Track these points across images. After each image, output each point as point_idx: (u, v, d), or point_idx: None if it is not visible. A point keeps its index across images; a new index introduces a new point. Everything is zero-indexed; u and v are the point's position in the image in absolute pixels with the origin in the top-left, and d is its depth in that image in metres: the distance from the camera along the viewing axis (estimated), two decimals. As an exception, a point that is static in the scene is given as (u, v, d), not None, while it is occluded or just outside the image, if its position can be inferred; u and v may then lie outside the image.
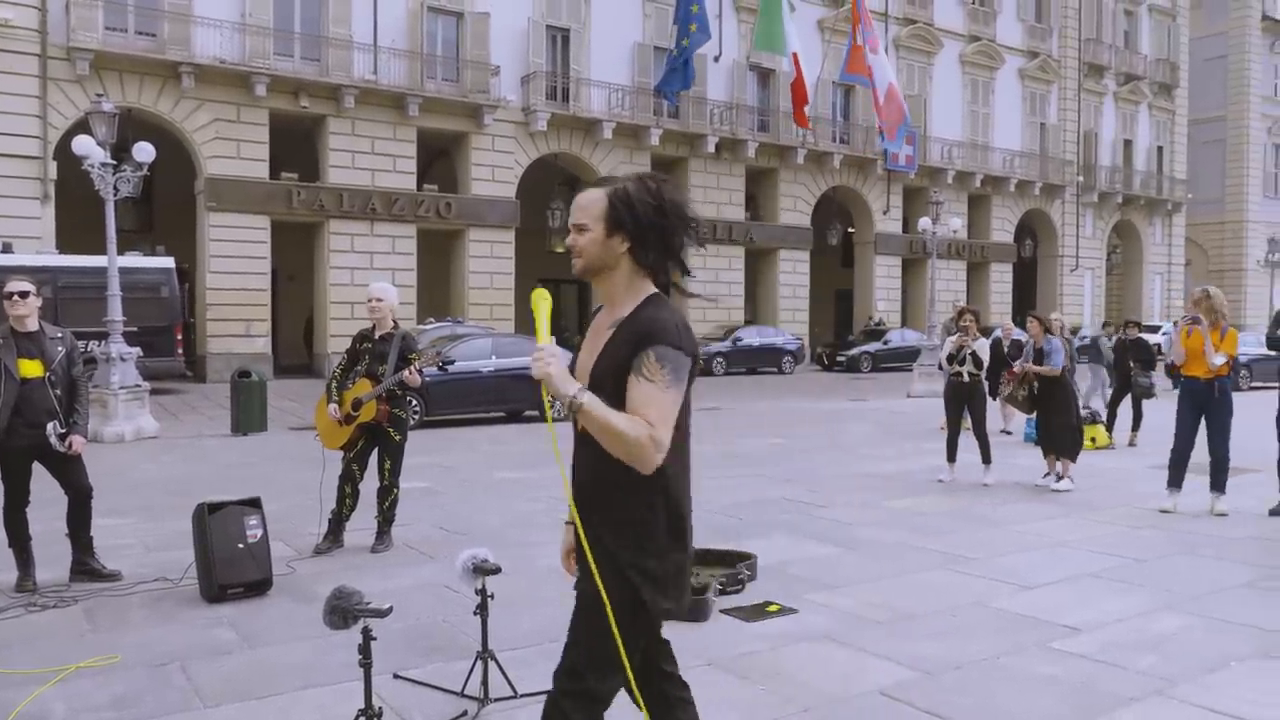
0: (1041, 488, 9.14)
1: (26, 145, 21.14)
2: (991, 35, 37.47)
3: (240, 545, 5.38)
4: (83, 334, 9.36)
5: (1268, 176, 47.91)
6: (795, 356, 29.46)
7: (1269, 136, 48.07)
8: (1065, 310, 37.10)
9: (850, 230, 36.14)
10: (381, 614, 3.27)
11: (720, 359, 27.74)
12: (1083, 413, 11.22)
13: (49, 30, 21.19)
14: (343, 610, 3.26)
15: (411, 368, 6.28)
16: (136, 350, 14.15)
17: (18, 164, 21.02)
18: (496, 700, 3.83)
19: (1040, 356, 9.31)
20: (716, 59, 30.11)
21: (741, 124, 30.97)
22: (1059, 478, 9.11)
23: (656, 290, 2.45)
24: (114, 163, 13.86)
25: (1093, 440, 11.89)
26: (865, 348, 30.86)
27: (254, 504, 5.58)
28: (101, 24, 21.69)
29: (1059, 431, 9.22)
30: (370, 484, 6.55)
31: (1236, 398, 8.09)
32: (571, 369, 2.41)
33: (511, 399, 15.32)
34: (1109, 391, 13.91)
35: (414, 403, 13.13)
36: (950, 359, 9.57)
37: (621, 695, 2.50)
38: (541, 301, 2.40)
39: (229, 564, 5.33)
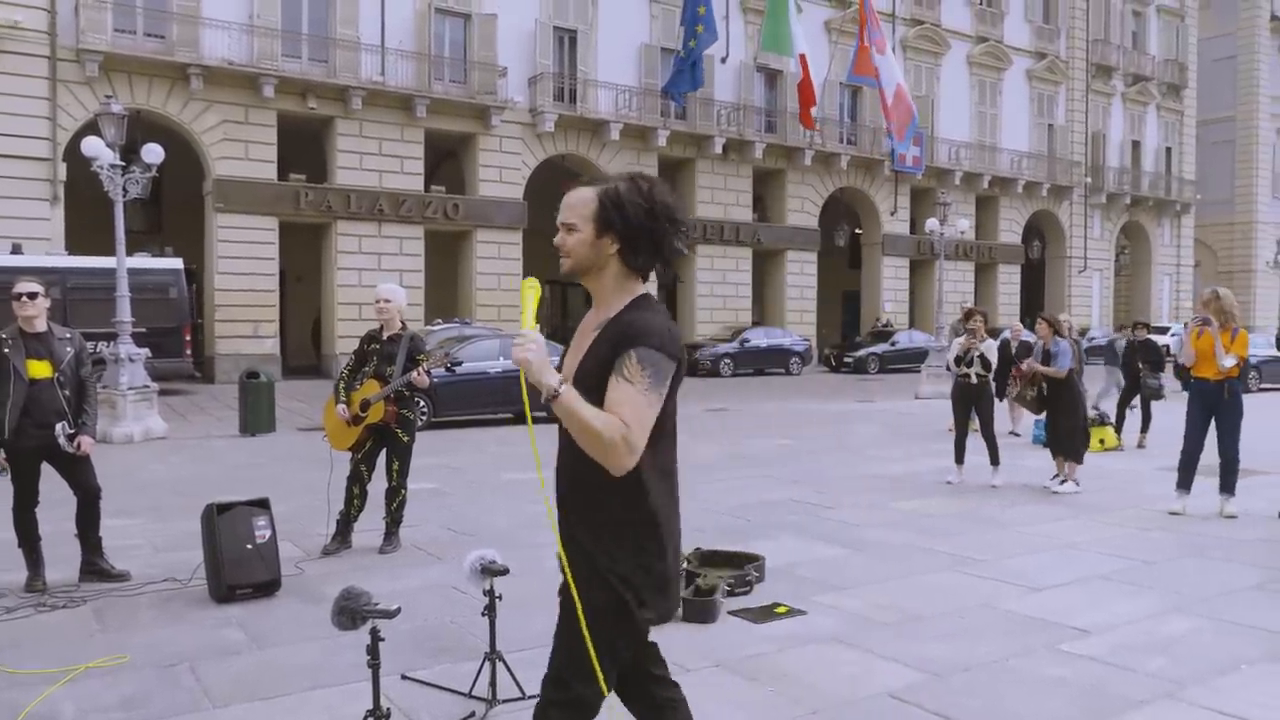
0: (1051, 489, 9.11)
1: (36, 147, 21.22)
2: (999, 36, 37.39)
3: (249, 546, 5.39)
4: (92, 335, 9.40)
5: (1277, 177, 47.67)
6: (802, 358, 29.42)
7: (1279, 137, 47.87)
8: (1073, 311, 37.05)
9: (858, 231, 36.08)
10: (390, 615, 3.27)
11: (727, 360, 27.72)
12: (1091, 414, 11.19)
13: (58, 32, 21.27)
14: (351, 611, 3.26)
15: (419, 369, 6.29)
16: (145, 351, 14.19)
17: (27, 165, 21.10)
18: (504, 701, 3.83)
19: (1048, 358, 9.29)
20: (724, 60, 30.10)
21: (749, 125, 30.94)
22: (1063, 480, 9.09)
23: (646, 292, 2.43)
24: (123, 164, 13.91)
25: (1101, 442, 11.86)
26: (873, 349, 30.81)
27: (262, 505, 5.59)
28: (110, 26, 21.78)
29: (1065, 434, 9.20)
30: (378, 485, 6.56)
31: (1246, 399, 8.07)
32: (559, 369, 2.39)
33: (519, 400, 15.27)
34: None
35: (422, 404, 13.15)
36: (958, 361, 9.55)
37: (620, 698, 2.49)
38: (529, 290, 2.38)
39: (237, 565, 5.34)
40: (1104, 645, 4.65)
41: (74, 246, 20.57)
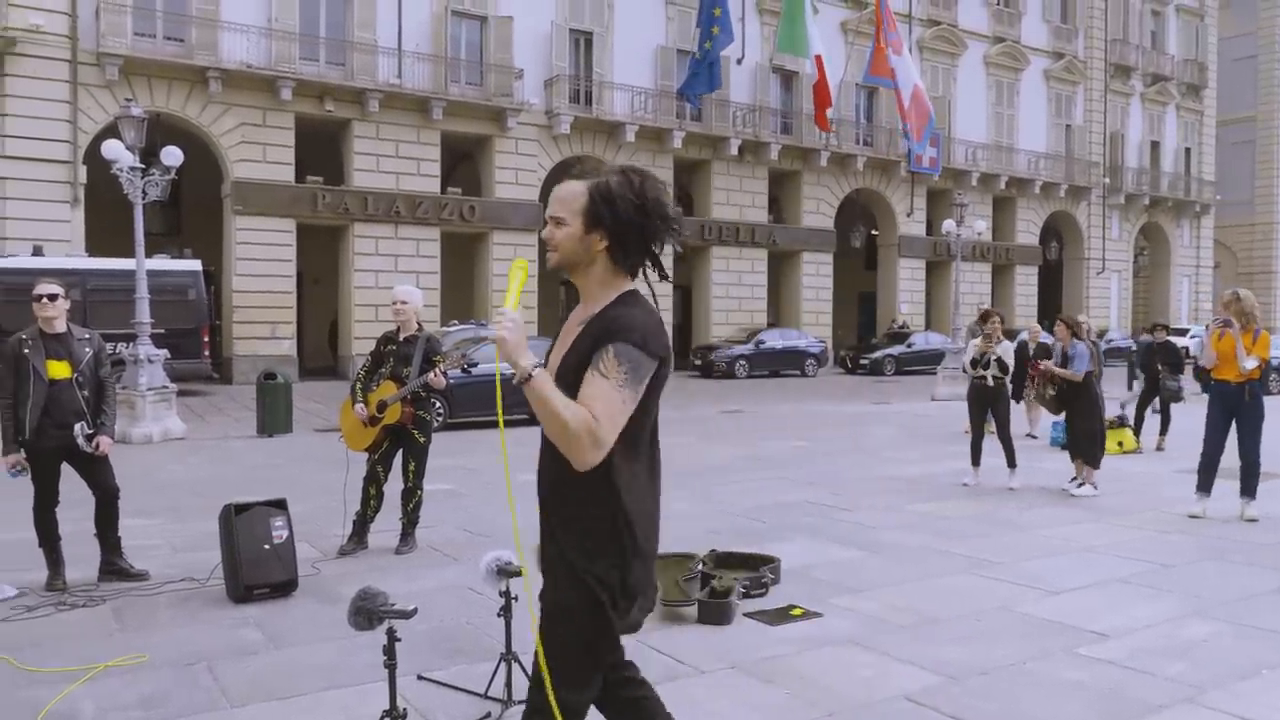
0: (1068, 492, 9.05)
1: (57, 149, 21.42)
2: (1016, 36, 37.21)
3: (266, 546, 5.41)
4: (111, 336, 9.47)
5: (1298, 178, 47.33)
6: (818, 359, 29.35)
7: (1300, 137, 47.48)
8: (1091, 313, 36.80)
9: (874, 233, 35.98)
10: (406, 615, 3.28)
11: (743, 361, 27.68)
12: (1111, 416, 11.10)
13: (79, 36, 21.46)
14: (368, 611, 3.27)
15: (436, 370, 6.30)
16: (164, 352, 14.31)
17: (48, 168, 21.30)
18: (520, 702, 3.82)
19: (1066, 361, 9.22)
20: (739, 61, 30.07)
21: (764, 126, 30.91)
22: (1080, 483, 9.03)
23: (633, 288, 2.38)
24: (142, 167, 14.02)
25: (1120, 444, 11.78)
26: (889, 351, 30.70)
27: (280, 505, 5.62)
28: (130, 30, 21.96)
29: (1082, 436, 9.14)
30: (394, 486, 6.58)
31: (1268, 401, 7.98)
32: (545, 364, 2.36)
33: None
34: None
35: (438, 405, 13.19)
36: (974, 363, 9.50)
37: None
38: (518, 270, 2.36)
39: (255, 565, 5.37)
40: (1123, 649, 4.62)
41: (94, 248, 20.77)
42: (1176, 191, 42.46)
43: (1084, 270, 40.13)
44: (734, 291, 31.14)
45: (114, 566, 5.82)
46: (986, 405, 9.51)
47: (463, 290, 27.40)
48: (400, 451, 6.59)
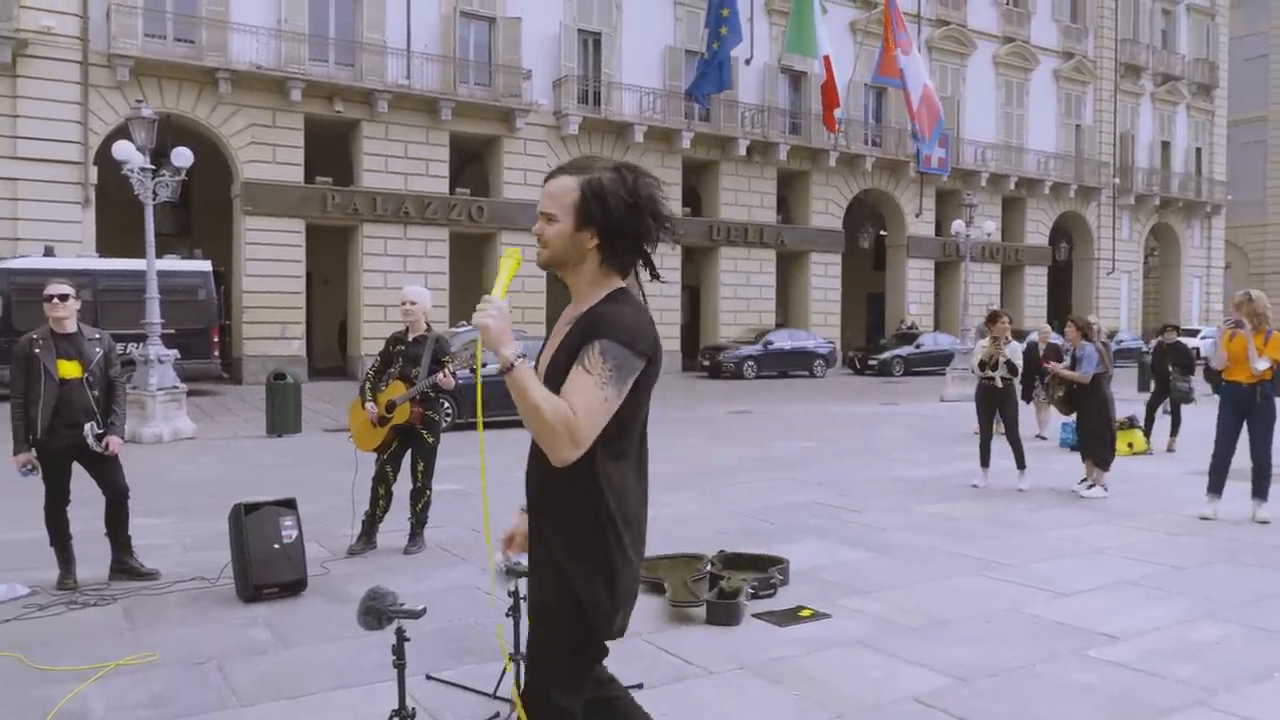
0: (1078, 493, 9.02)
1: (68, 150, 21.52)
2: (1026, 36, 37.11)
3: (275, 546, 5.43)
4: (122, 336, 9.53)
5: (1310, 178, 47.10)
6: (827, 360, 29.29)
7: (1312, 137, 47.25)
8: (1101, 314, 36.72)
9: (882, 233, 35.93)
10: (415, 615, 3.28)
11: (751, 362, 27.65)
12: (1121, 417, 11.05)
13: (90, 38, 21.57)
14: (377, 611, 3.27)
15: (445, 370, 6.32)
16: (174, 352, 14.34)
17: (59, 169, 21.41)
18: (528, 702, 3.83)
19: (1075, 362, 9.19)
20: (748, 62, 30.06)
21: (773, 127, 30.89)
22: (1090, 484, 8.99)
23: (624, 285, 2.34)
24: (153, 168, 14.07)
25: (1130, 446, 11.74)
26: (897, 351, 30.63)
27: (289, 505, 5.63)
28: (141, 31, 22.06)
29: (1089, 437, 9.11)
30: (403, 486, 6.60)
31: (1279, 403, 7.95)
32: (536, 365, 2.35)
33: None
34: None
35: (446, 405, 13.20)
36: (982, 365, 9.46)
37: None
38: (509, 260, 2.34)
39: (264, 564, 5.38)
40: (1133, 651, 4.60)
41: (105, 249, 20.86)
42: (1187, 192, 42.29)
43: (1094, 271, 39.99)
44: (742, 292, 31.12)
45: (124, 565, 5.85)
46: (994, 406, 9.47)
47: (471, 290, 27.33)
48: (409, 452, 6.61)
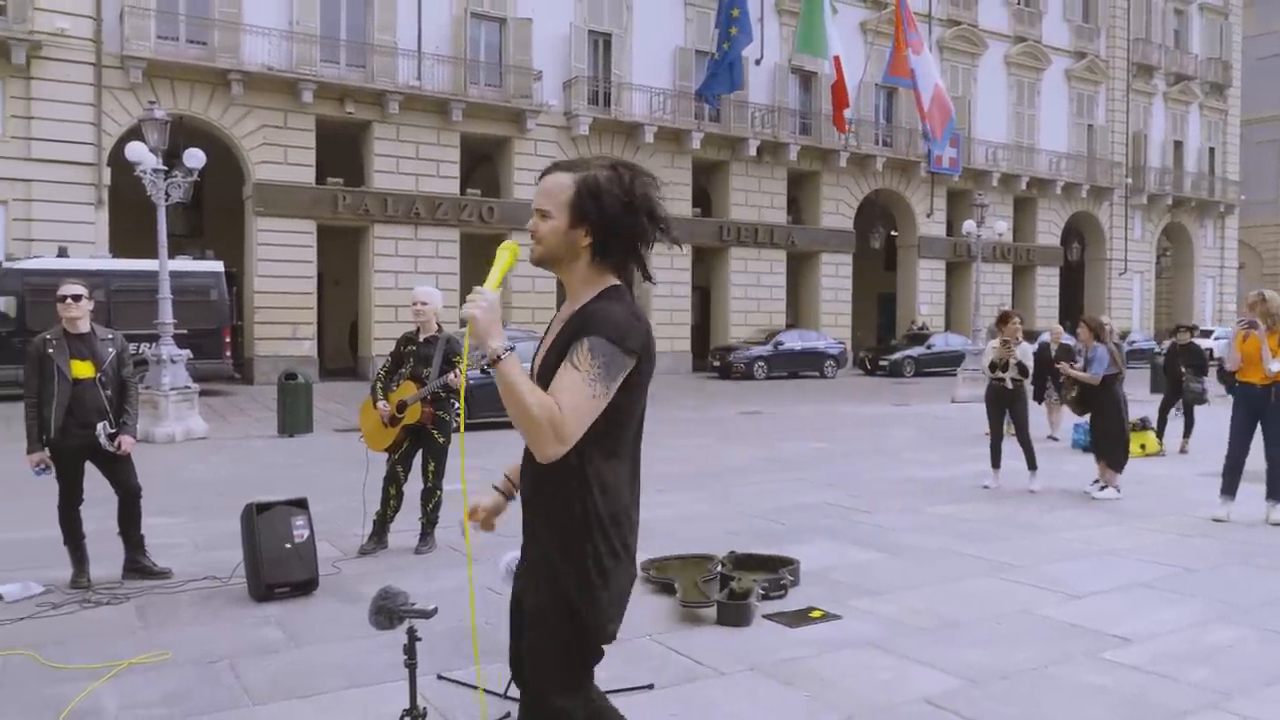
0: (1090, 494, 8.98)
1: (81, 152, 21.65)
2: (1037, 36, 36.98)
3: (287, 545, 5.45)
4: (134, 336, 9.58)
5: (1324, 178, 46.80)
6: (837, 360, 29.24)
7: (1326, 137, 46.95)
8: (1114, 314, 36.55)
9: (893, 233, 35.84)
10: (426, 615, 3.29)
11: (762, 363, 27.62)
12: (1134, 419, 11.00)
13: (103, 40, 21.69)
14: (388, 611, 3.28)
15: (455, 371, 6.33)
16: (186, 352, 14.41)
17: (73, 170, 21.54)
18: (539, 702, 3.83)
19: (1087, 363, 9.15)
20: (758, 62, 30.03)
21: (783, 127, 30.85)
22: (1102, 486, 8.95)
23: (618, 283, 2.31)
24: (165, 169, 14.15)
25: (1143, 447, 11.68)
26: (908, 352, 30.54)
27: (301, 505, 5.65)
28: (154, 33, 22.16)
29: (1101, 437, 9.07)
30: (414, 486, 6.61)
31: (1293, 404, 7.89)
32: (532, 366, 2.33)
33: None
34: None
35: (457, 405, 13.21)
36: (992, 366, 9.42)
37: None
38: (505, 252, 2.32)
39: (276, 564, 5.40)
40: (1145, 654, 4.58)
41: (118, 249, 20.97)
42: (1200, 191, 42.07)
43: (1106, 271, 39.82)
44: (753, 292, 31.09)
45: (137, 564, 5.87)
46: (1004, 407, 9.44)
47: (482, 291, 27.44)
48: (420, 452, 6.63)
